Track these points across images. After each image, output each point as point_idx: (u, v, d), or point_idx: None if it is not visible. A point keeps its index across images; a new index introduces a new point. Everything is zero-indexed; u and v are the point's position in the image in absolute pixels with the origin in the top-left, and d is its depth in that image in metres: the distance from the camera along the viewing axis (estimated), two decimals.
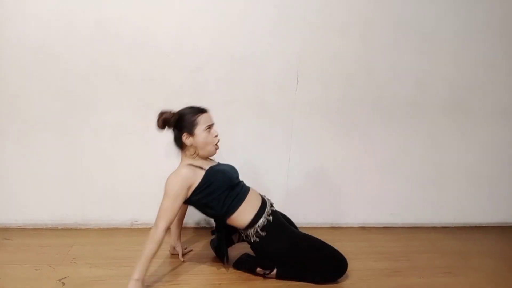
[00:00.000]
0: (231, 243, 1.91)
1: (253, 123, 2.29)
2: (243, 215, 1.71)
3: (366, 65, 2.35)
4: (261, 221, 1.71)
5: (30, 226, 2.18)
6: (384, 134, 2.45)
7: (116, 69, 2.11)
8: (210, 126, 1.72)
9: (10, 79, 2.04)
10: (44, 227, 2.19)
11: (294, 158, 2.38)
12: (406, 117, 2.45)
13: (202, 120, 1.69)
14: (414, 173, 2.55)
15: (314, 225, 2.46)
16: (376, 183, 2.51)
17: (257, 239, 1.71)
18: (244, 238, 1.77)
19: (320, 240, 1.79)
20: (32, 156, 2.13)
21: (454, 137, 2.55)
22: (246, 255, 1.89)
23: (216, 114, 2.24)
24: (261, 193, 1.87)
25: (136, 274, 1.53)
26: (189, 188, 1.64)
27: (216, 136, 1.74)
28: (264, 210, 1.75)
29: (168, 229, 1.61)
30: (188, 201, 1.69)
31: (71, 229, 2.20)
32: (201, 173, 1.66)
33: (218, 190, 1.67)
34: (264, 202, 1.79)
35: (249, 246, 1.79)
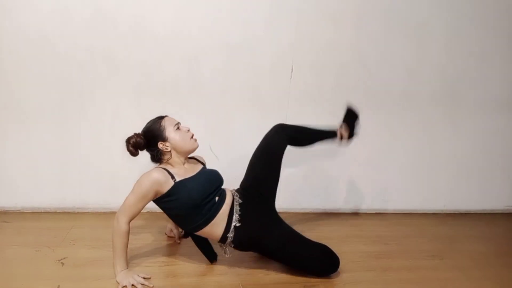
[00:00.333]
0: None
1: (248, 111, 2.33)
2: (211, 232, 1.68)
3: (359, 54, 2.39)
4: (229, 238, 1.67)
5: (29, 210, 2.22)
6: (376, 122, 2.50)
7: (112, 58, 2.14)
8: (177, 125, 1.71)
9: (8, 68, 2.07)
10: (42, 211, 2.23)
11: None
12: (397, 105, 2.50)
13: (167, 123, 1.68)
14: (406, 161, 2.60)
15: (307, 210, 2.52)
16: (368, 170, 2.57)
17: (239, 248, 1.72)
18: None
19: (304, 237, 1.76)
20: (31, 142, 2.16)
21: (445, 126, 2.61)
22: None
23: (211, 102, 2.29)
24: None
25: (118, 267, 1.57)
26: (156, 192, 1.60)
27: (188, 130, 1.72)
28: (231, 225, 1.67)
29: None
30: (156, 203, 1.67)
31: (69, 213, 2.25)
32: (170, 183, 1.60)
33: (182, 208, 1.62)
34: (231, 213, 1.69)
35: None
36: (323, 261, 1.71)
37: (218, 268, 1.74)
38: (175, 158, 1.70)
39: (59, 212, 2.25)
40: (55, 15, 2.05)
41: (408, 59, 2.45)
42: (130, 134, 1.70)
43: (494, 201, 2.79)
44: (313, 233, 2.13)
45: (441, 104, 2.56)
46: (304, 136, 1.96)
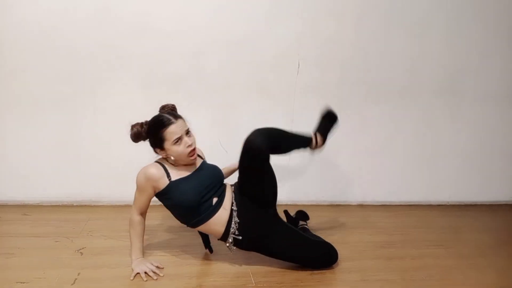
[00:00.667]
0: None
1: (255, 104, 2.40)
2: (210, 231, 1.71)
3: (361, 49, 2.44)
4: (229, 242, 1.69)
5: (47, 203, 2.32)
6: (380, 115, 2.55)
7: (118, 51, 2.21)
8: (179, 139, 1.59)
9: (19, 62, 2.15)
10: (60, 204, 2.33)
11: None
12: (400, 99, 2.55)
13: (168, 135, 1.59)
14: (410, 153, 2.65)
15: (314, 203, 2.58)
16: (373, 163, 2.62)
17: (241, 245, 1.71)
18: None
19: (304, 235, 1.79)
20: (50, 140, 2.26)
21: (447, 119, 2.64)
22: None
23: (218, 96, 2.35)
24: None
25: (133, 255, 1.67)
26: (154, 188, 1.63)
27: (188, 146, 1.61)
28: (230, 230, 1.67)
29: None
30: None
31: (86, 205, 2.35)
32: (165, 182, 1.62)
33: (176, 207, 1.67)
34: (231, 217, 1.67)
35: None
36: (323, 258, 1.76)
37: (228, 256, 1.80)
38: (172, 158, 1.66)
39: (76, 205, 2.34)
40: (62, 8, 2.11)
41: (411, 53, 2.49)
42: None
43: (498, 193, 2.82)
44: (319, 225, 2.20)
45: (444, 97, 2.60)
46: (283, 144, 1.80)
